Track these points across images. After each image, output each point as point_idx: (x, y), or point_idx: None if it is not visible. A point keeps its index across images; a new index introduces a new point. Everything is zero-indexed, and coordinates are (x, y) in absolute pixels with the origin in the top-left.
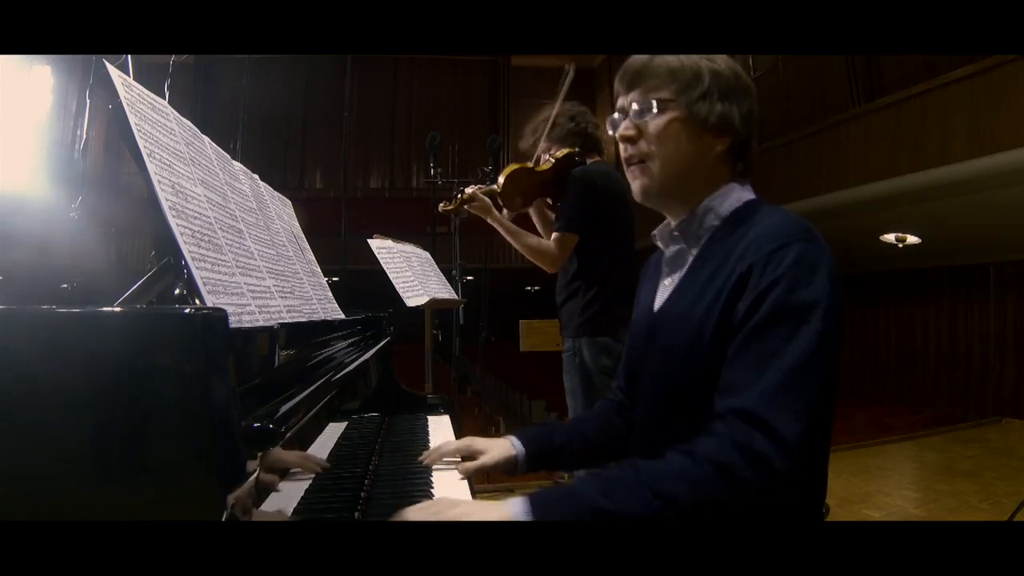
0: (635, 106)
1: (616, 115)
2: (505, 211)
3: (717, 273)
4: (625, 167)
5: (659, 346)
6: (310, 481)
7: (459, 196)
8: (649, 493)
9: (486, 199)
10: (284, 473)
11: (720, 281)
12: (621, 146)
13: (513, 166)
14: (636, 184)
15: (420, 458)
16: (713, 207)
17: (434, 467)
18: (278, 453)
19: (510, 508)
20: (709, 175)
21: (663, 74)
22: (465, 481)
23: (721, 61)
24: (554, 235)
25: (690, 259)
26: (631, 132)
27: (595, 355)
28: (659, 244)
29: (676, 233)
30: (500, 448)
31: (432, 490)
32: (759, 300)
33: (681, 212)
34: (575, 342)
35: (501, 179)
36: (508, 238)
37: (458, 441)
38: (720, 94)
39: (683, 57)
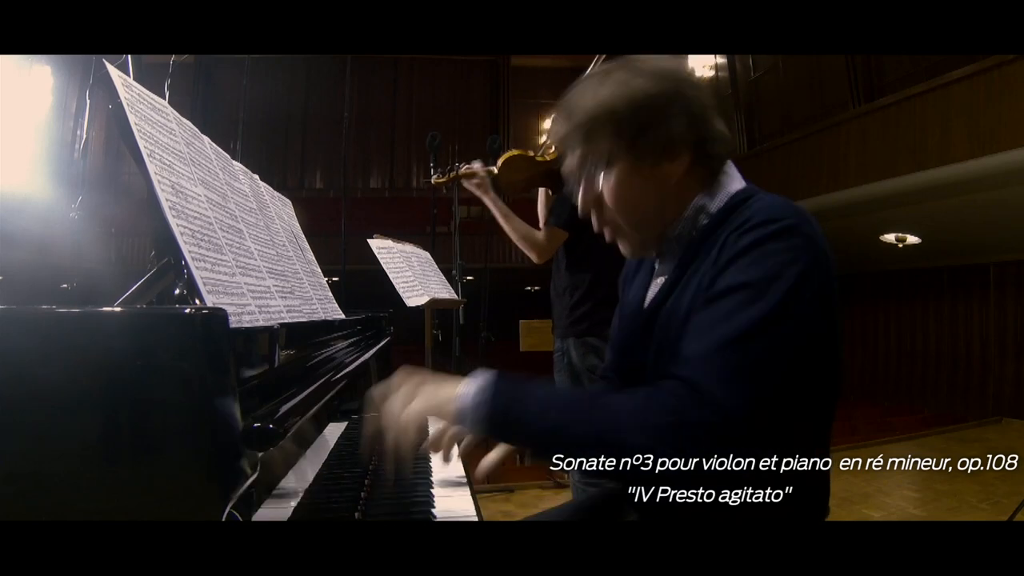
0: (582, 175)
1: (571, 178)
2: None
3: (705, 264)
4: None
5: (656, 341)
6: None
7: (454, 172)
8: (600, 428)
9: (487, 178)
10: None
11: (708, 270)
12: (592, 216)
13: (513, 152)
14: (622, 248)
15: (478, 468)
16: (703, 205)
17: (433, 467)
18: None
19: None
20: (683, 195)
21: (589, 126)
22: (465, 480)
23: (636, 74)
24: (544, 227)
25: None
26: (590, 203)
27: (583, 355)
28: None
29: (671, 238)
30: None
31: (432, 491)
32: (722, 271)
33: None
34: (563, 342)
35: (499, 162)
36: (500, 220)
37: (495, 452)
38: (651, 117)
39: (600, 94)
